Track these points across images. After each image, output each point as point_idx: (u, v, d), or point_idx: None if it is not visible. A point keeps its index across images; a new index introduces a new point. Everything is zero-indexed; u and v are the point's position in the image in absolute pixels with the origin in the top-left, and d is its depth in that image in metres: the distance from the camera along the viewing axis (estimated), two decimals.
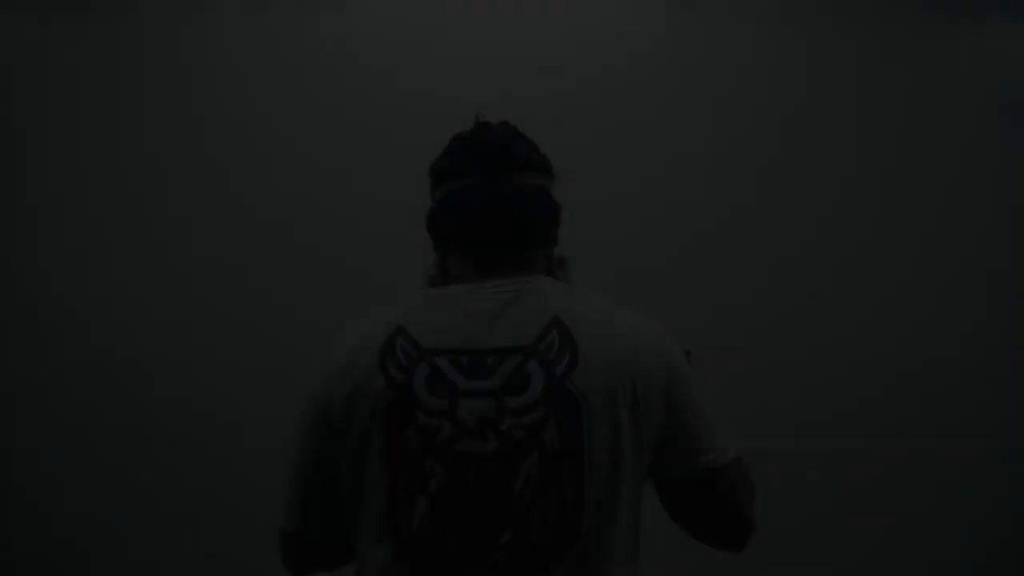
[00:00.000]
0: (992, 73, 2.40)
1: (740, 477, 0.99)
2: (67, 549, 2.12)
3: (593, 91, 2.28)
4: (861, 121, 2.35)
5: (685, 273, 2.25)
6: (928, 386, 2.29)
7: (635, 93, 2.29)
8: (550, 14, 2.31)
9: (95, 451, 2.15)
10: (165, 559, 2.12)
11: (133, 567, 2.13)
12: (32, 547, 2.13)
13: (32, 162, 2.22)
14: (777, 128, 2.32)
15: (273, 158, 2.24)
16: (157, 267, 2.20)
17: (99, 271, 2.20)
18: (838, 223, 2.33)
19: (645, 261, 2.23)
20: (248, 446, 2.10)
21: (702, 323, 2.14)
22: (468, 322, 0.93)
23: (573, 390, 0.90)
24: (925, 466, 2.27)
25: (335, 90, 2.26)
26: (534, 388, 0.90)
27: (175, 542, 2.13)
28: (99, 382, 2.16)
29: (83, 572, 2.13)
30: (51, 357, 2.17)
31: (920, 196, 2.36)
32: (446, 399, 0.90)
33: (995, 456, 2.28)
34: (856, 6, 2.36)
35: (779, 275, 2.30)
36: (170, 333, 2.18)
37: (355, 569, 1.01)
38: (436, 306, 0.96)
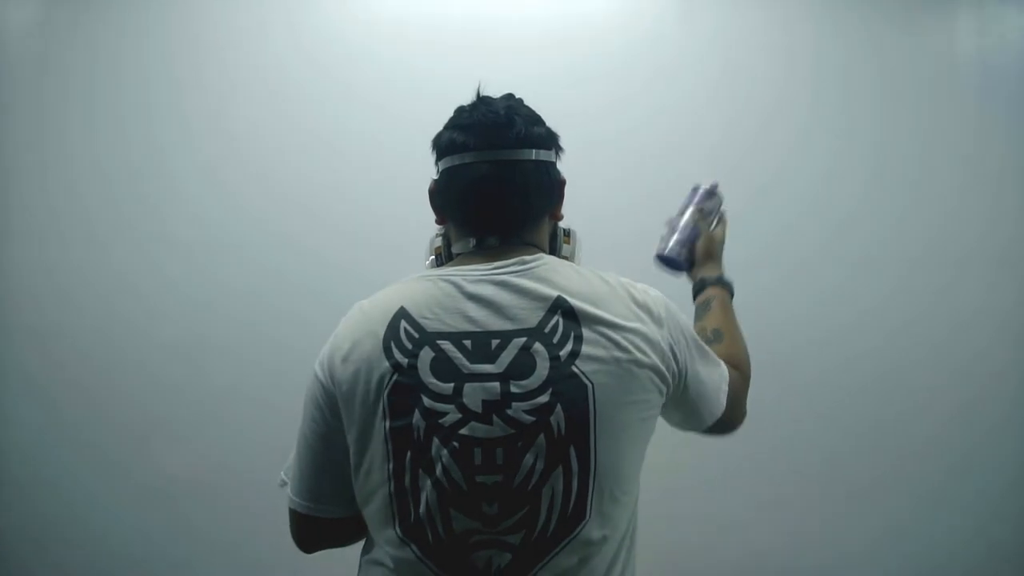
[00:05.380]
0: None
1: (733, 404, 1.09)
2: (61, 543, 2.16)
3: (595, 67, 2.25)
4: (870, 104, 2.30)
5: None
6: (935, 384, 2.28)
7: (638, 70, 2.26)
8: None
9: (92, 444, 2.16)
10: (166, 554, 2.16)
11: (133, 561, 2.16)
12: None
13: (33, 156, 2.21)
14: (783, 110, 2.28)
15: (283, 142, 2.21)
16: (158, 256, 2.19)
17: (100, 260, 2.18)
18: (845, 207, 2.29)
19: (643, 240, 2.20)
20: (248, 436, 2.12)
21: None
22: (470, 305, 0.93)
23: (579, 372, 0.90)
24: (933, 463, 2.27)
25: (337, 67, 2.22)
26: (539, 371, 0.90)
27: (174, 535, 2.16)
28: (97, 377, 2.17)
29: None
30: (48, 350, 2.17)
31: (936, 183, 2.31)
32: (451, 383, 0.90)
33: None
34: None
35: (789, 257, 2.26)
36: (167, 327, 2.18)
37: (363, 546, 1.03)
38: (438, 288, 0.95)
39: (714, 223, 1.37)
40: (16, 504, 2.16)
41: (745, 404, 1.15)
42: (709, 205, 1.37)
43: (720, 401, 1.07)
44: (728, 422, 1.10)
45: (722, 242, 1.35)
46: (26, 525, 2.15)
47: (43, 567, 2.16)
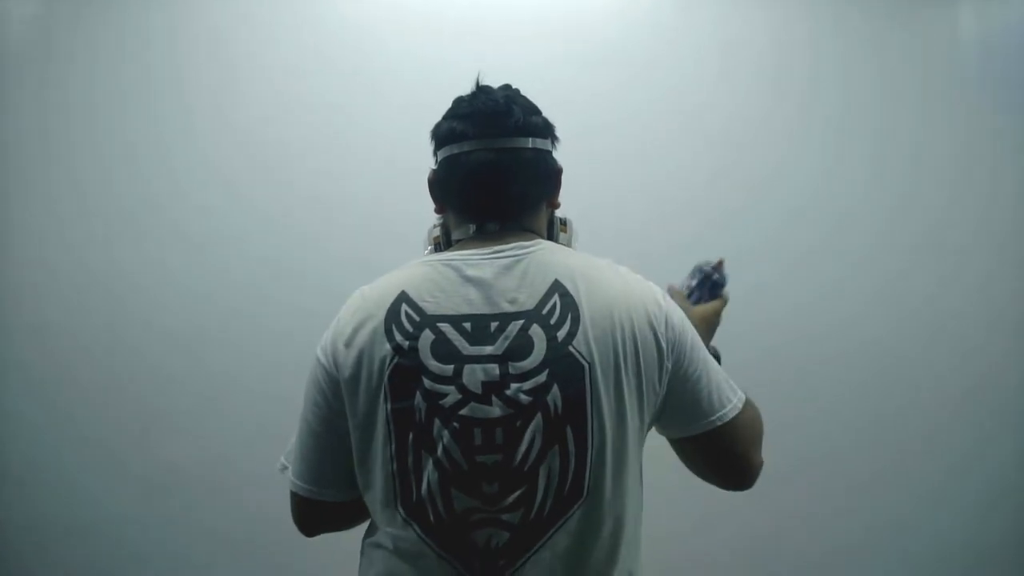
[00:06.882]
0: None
1: (744, 426, 1.01)
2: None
3: (595, 54, 2.25)
4: (868, 94, 2.30)
5: (684, 242, 2.20)
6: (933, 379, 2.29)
7: (637, 56, 2.26)
8: None
9: (89, 436, 2.16)
10: (164, 546, 2.16)
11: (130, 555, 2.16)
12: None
13: (34, 152, 2.21)
14: (781, 97, 2.28)
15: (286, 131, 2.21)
16: (159, 248, 2.19)
17: (101, 254, 2.18)
18: (844, 200, 2.28)
19: (642, 228, 2.21)
20: (249, 428, 2.13)
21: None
22: (470, 288, 0.95)
23: (576, 353, 0.91)
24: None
25: (341, 56, 2.22)
26: (537, 352, 0.91)
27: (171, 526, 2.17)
28: (96, 370, 2.17)
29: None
30: (47, 343, 2.17)
31: (934, 176, 2.31)
32: (451, 365, 0.91)
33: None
34: None
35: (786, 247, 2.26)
36: (168, 319, 2.17)
37: (366, 529, 1.04)
38: (439, 272, 0.97)
39: (698, 299, 1.26)
40: (16, 501, 2.16)
41: (759, 445, 1.04)
42: (693, 283, 1.27)
43: (725, 393, 1.00)
44: (736, 438, 1.01)
45: (707, 322, 1.20)
46: (26, 520, 2.15)
47: (43, 564, 2.15)
